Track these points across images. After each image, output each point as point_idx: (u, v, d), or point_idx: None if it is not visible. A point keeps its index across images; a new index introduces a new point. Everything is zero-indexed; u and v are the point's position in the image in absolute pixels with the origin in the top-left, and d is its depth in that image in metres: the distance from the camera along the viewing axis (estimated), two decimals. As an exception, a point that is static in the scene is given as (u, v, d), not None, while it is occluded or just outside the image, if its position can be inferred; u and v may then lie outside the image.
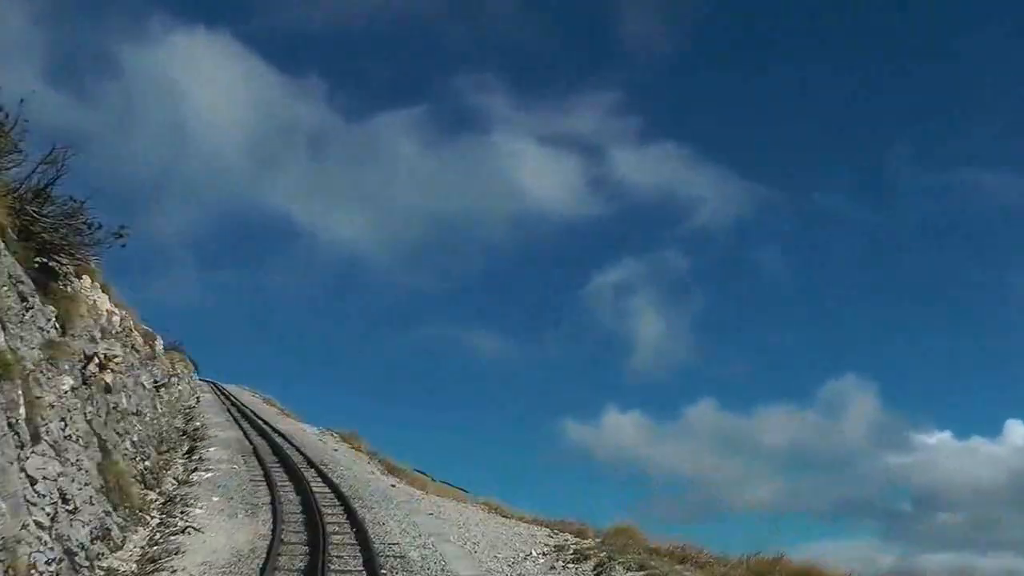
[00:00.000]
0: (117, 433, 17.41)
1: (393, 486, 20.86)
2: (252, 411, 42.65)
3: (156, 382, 26.34)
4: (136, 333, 23.15)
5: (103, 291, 18.42)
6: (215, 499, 16.33)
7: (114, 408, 17.57)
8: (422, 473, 26.89)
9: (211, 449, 24.70)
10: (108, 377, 17.37)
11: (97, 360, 16.92)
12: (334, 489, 17.96)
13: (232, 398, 54.48)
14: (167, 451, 23.45)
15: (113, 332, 17.83)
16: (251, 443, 26.38)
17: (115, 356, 17.59)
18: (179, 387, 45.09)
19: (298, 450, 25.58)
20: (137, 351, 22.93)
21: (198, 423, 33.98)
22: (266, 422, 35.61)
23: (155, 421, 22.94)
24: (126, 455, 17.23)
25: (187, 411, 39.86)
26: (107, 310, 17.66)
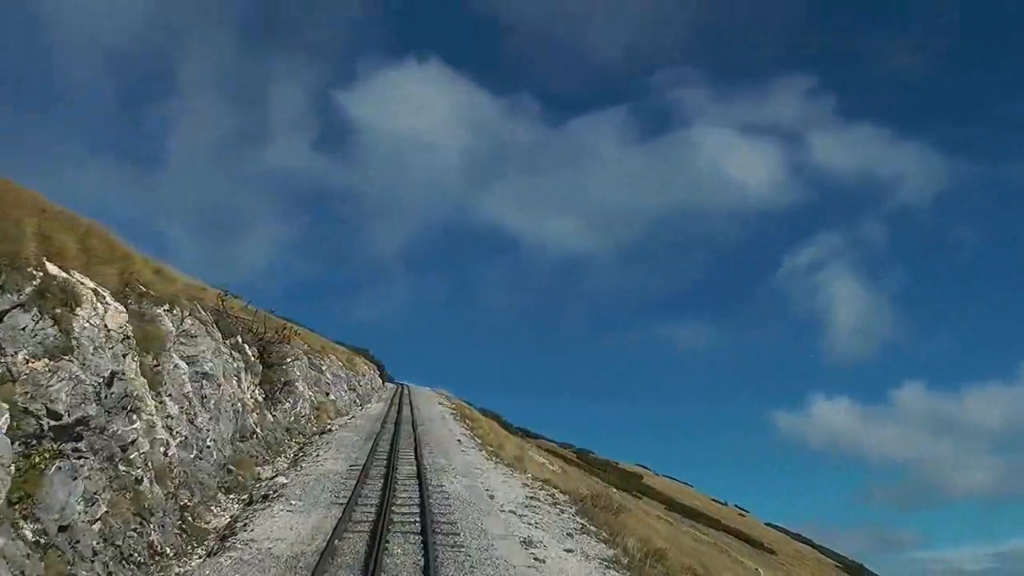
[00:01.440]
0: None
1: None
2: (418, 438, 25.22)
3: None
4: None
5: None
6: None
7: None
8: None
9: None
10: None
11: None
12: None
13: (409, 408, 38.07)
14: None
15: None
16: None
17: None
18: (307, 399, 28.72)
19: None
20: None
21: (284, 479, 16.89)
22: (422, 471, 17.74)
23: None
24: None
25: (306, 442, 23.21)
26: None
